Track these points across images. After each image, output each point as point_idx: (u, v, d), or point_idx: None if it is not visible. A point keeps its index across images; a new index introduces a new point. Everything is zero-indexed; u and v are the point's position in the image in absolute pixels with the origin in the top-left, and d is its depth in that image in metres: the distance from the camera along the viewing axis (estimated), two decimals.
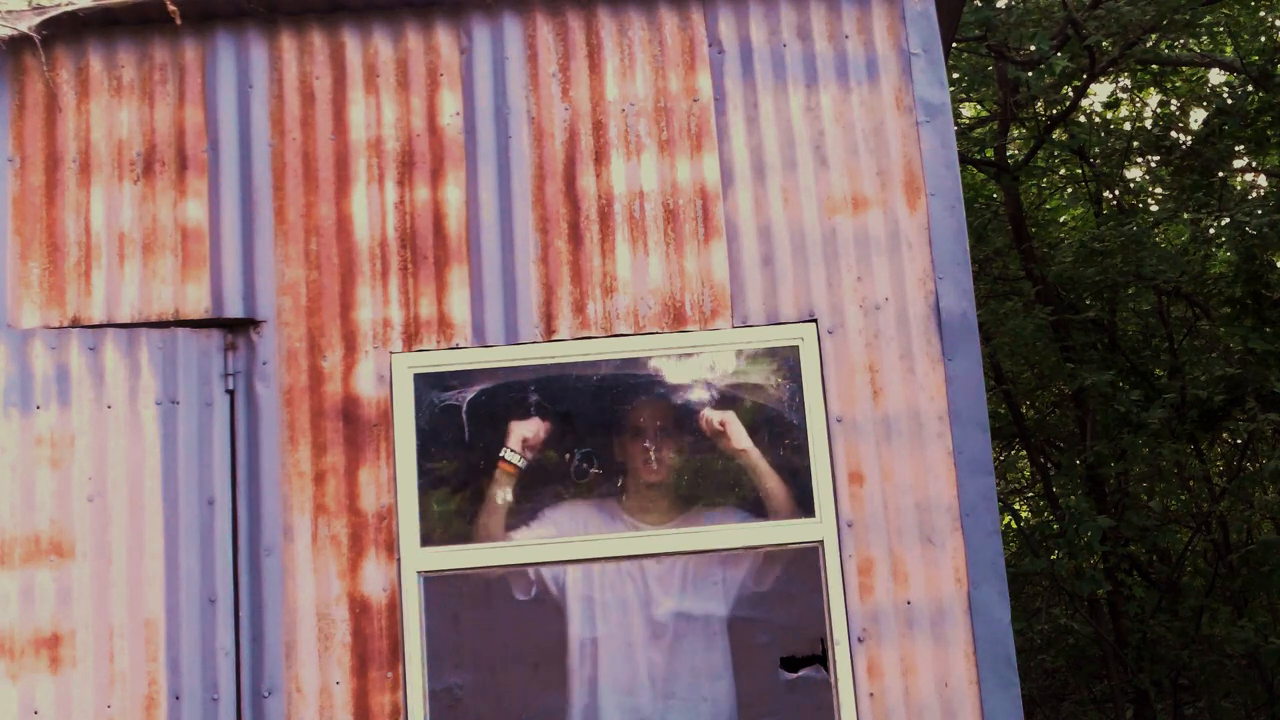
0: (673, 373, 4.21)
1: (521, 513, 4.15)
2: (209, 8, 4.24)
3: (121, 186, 4.20)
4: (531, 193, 4.21)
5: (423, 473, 4.06)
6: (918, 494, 4.00)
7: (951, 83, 10.72)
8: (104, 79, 4.27)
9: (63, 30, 4.24)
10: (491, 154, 4.24)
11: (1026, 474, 13.30)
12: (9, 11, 4.20)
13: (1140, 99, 12.73)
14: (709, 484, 4.29)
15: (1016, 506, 13.28)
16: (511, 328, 4.12)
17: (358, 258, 4.17)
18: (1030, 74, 9.72)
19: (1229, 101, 10.87)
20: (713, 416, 4.15)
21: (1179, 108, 12.22)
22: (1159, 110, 12.30)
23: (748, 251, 4.16)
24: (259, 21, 4.30)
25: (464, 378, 4.13)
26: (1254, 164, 11.87)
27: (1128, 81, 12.27)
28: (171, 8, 4.14)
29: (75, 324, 4.09)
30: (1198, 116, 11.99)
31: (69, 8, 4.16)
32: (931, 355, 4.09)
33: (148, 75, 4.28)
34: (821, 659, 4.00)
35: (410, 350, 4.11)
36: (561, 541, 4.11)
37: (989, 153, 11.49)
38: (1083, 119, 11.90)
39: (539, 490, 4.19)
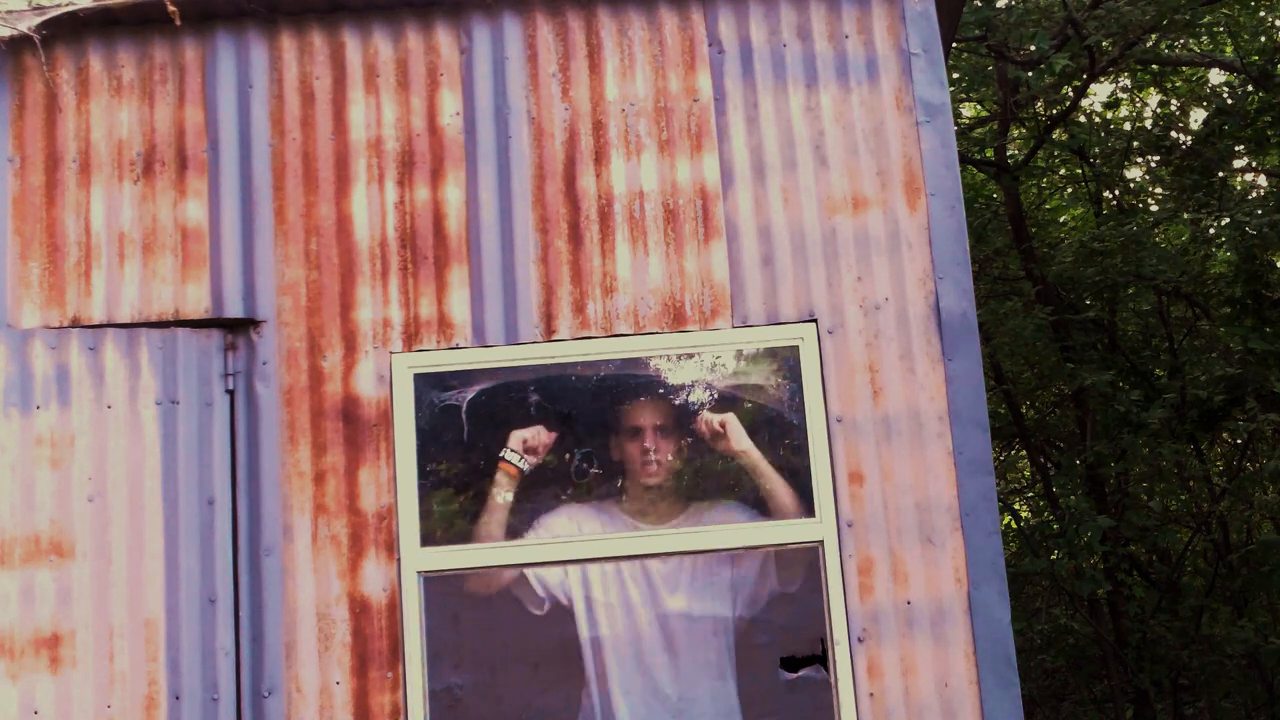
0: (673, 373, 4.21)
1: (521, 516, 4.15)
2: (209, 8, 4.24)
3: (121, 186, 4.20)
4: (531, 193, 4.21)
5: (423, 473, 4.06)
6: (918, 494, 4.00)
7: (951, 83, 10.72)
8: (104, 79, 4.27)
9: (63, 30, 4.25)
10: (491, 154, 4.24)
11: (1026, 474, 13.30)
12: (9, 11, 4.20)
13: (1140, 99, 12.73)
14: (710, 484, 4.29)
15: (1016, 506, 13.28)
16: (511, 328, 4.12)
17: (358, 258, 4.17)
18: (1030, 74, 9.72)
19: (1229, 101, 10.87)
20: (713, 418, 4.15)
21: (1179, 108, 12.22)
22: (1159, 110, 12.30)
23: (748, 251, 4.16)
24: (259, 21, 4.30)
25: (464, 378, 4.13)
26: (1254, 164, 11.87)
27: (1128, 81, 12.27)
28: (171, 8, 4.14)
29: (75, 324, 4.09)
30: (1198, 116, 11.99)
31: (69, 8, 4.16)
32: (931, 355, 4.09)
33: (148, 75, 4.28)
34: (821, 659, 4.00)
35: (410, 350, 4.11)
36: (562, 542, 4.11)
37: (989, 153, 11.49)
38: (1083, 119, 11.90)
39: (539, 492, 4.19)
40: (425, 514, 4.04)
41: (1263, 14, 11.29)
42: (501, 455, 4.15)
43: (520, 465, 4.15)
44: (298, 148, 4.24)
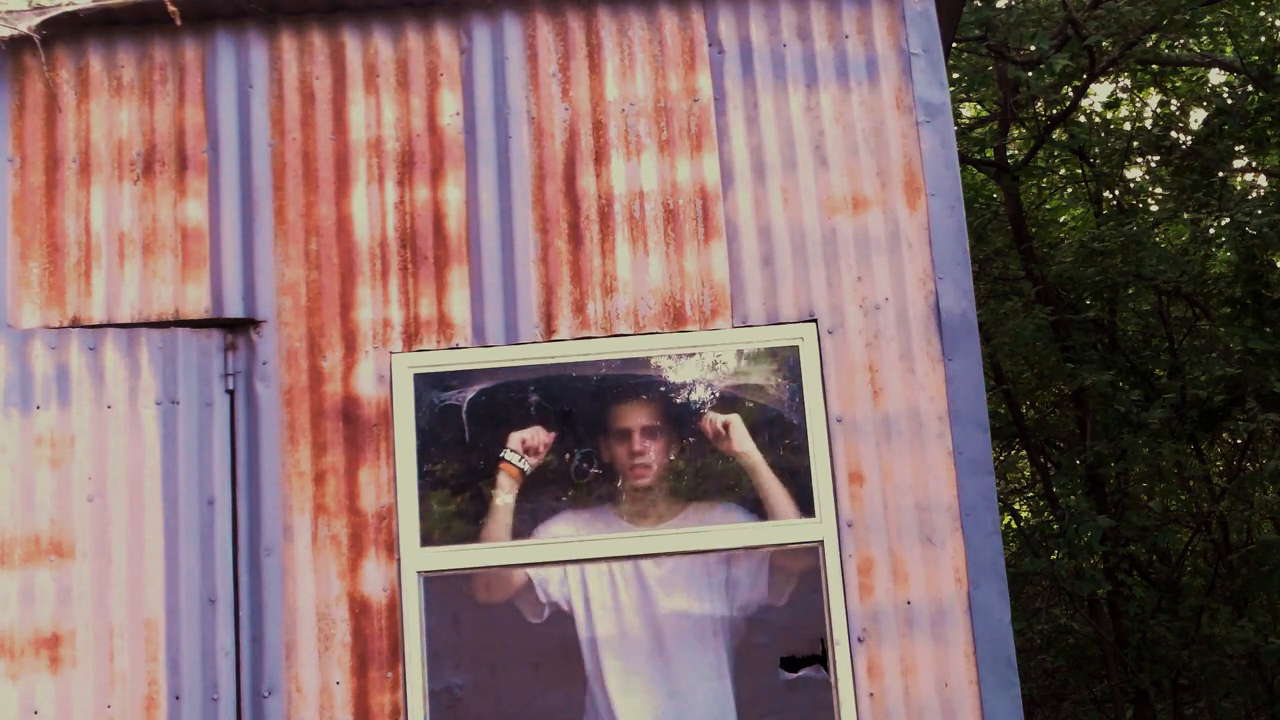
0: (673, 373, 4.21)
1: (521, 520, 4.14)
2: (209, 8, 4.24)
3: (121, 186, 4.20)
4: (531, 193, 4.21)
5: (423, 473, 4.06)
6: (918, 494, 4.00)
7: (951, 83, 10.72)
8: (104, 79, 4.27)
9: (63, 30, 4.25)
10: (491, 154, 4.24)
11: (1026, 474, 13.30)
12: (9, 11, 4.20)
13: (1140, 99, 12.73)
14: (706, 485, 4.29)
15: (1016, 506, 13.28)
16: (511, 328, 4.12)
17: (358, 258, 4.17)
18: (1030, 74, 9.72)
19: (1229, 101, 10.87)
20: (716, 418, 4.15)
21: (1179, 108, 12.22)
22: (1159, 110, 12.30)
23: (748, 251, 4.16)
24: (259, 21, 4.30)
25: (464, 378, 4.13)
26: (1254, 164, 11.87)
27: (1128, 81, 12.27)
28: (171, 8, 4.14)
29: (75, 324, 4.09)
30: (1198, 116, 11.99)
31: (69, 8, 4.16)
32: (931, 355, 4.09)
33: (148, 75, 4.28)
34: (821, 659, 4.00)
35: (410, 350, 4.11)
36: (563, 542, 4.11)
37: (989, 153, 11.49)
38: (1083, 119, 11.90)
39: (539, 493, 4.19)
40: (425, 514, 4.04)
41: (1263, 14, 11.29)
42: (501, 456, 4.15)
43: (521, 465, 4.14)
44: (298, 148, 4.24)
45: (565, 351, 4.11)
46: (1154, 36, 10.52)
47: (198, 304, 4.13)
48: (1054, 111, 11.48)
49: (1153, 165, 12.11)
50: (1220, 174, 10.92)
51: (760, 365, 4.17)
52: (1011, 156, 11.44)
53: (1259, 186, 12.05)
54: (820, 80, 4.28)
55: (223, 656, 3.92)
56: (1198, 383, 10.44)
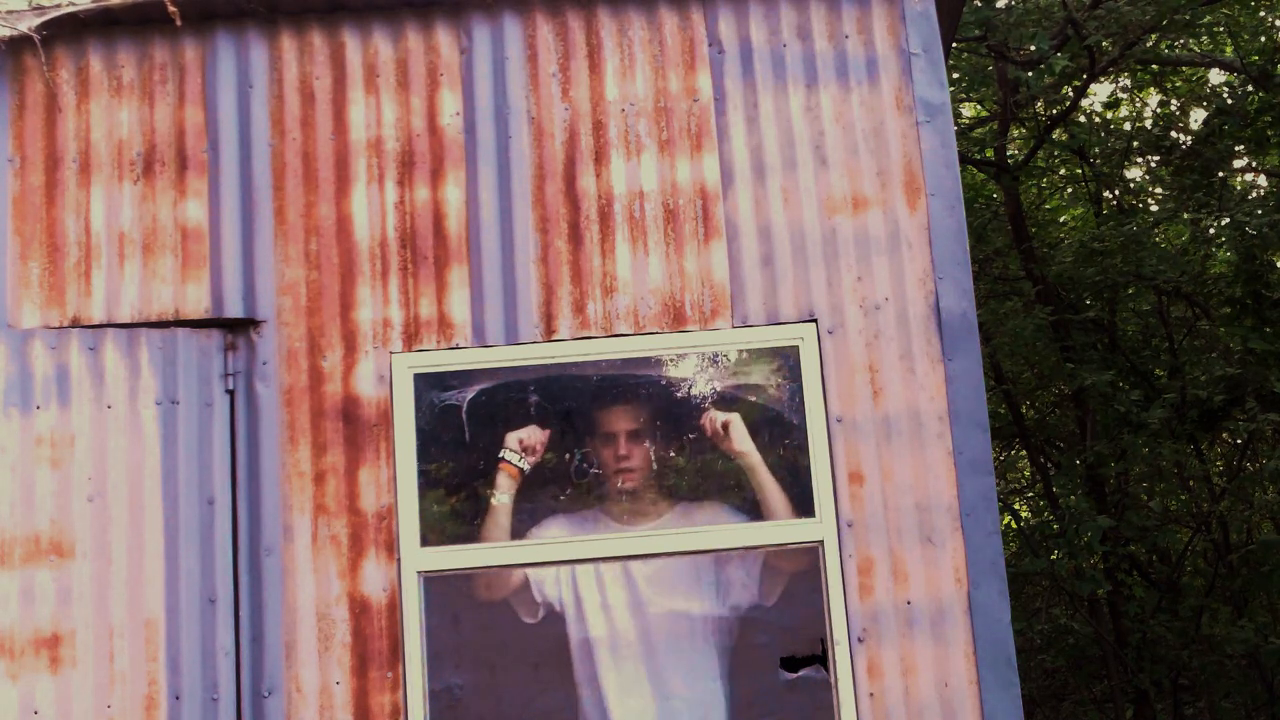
0: (673, 373, 4.21)
1: (519, 521, 4.14)
2: (209, 8, 4.24)
3: (121, 186, 4.20)
4: (531, 193, 4.21)
5: (423, 473, 4.06)
6: (918, 494, 4.00)
7: (951, 83, 10.72)
8: (104, 79, 4.27)
9: (63, 30, 4.25)
10: (491, 154, 4.24)
11: (1026, 474, 13.30)
12: (9, 11, 4.20)
13: (1140, 99, 12.73)
14: (705, 485, 4.28)
15: (1016, 506, 13.28)
16: (511, 328, 4.12)
17: (358, 258, 4.17)
18: (1030, 74, 9.71)
19: (1229, 101, 10.87)
20: (717, 417, 4.15)
21: (1179, 108, 12.22)
22: (1159, 110, 12.30)
23: (748, 251, 4.16)
24: (259, 21, 4.30)
25: (464, 378, 4.13)
26: (1254, 164, 11.87)
27: (1128, 81, 12.27)
28: (171, 8, 4.14)
29: (75, 324, 4.09)
30: (1198, 116, 11.99)
31: (69, 8, 4.16)
32: (931, 355, 4.09)
33: (148, 75, 4.28)
34: (821, 659, 4.00)
35: (410, 350, 4.11)
36: (562, 542, 4.11)
37: (989, 153, 11.49)
38: (1083, 119, 11.90)
39: (538, 493, 4.19)
40: (425, 514, 4.04)
41: (1263, 14, 11.29)
42: (501, 456, 4.15)
43: (520, 465, 4.14)
44: (298, 148, 4.24)
45: (565, 351, 4.11)
46: (1154, 36, 10.52)
47: (198, 304, 4.13)
48: (1054, 111, 11.48)
49: (1153, 165, 12.11)
50: (1220, 174, 10.92)
51: (760, 365, 4.17)
52: (1011, 156, 11.44)
53: (1259, 186, 12.05)
54: (820, 80, 4.28)
55: (223, 656, 3.92)
56: (1198, 383, 10.44)
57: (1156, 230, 11.29)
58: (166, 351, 4.08)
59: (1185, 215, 10.64)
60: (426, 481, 4.08)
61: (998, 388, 11.25)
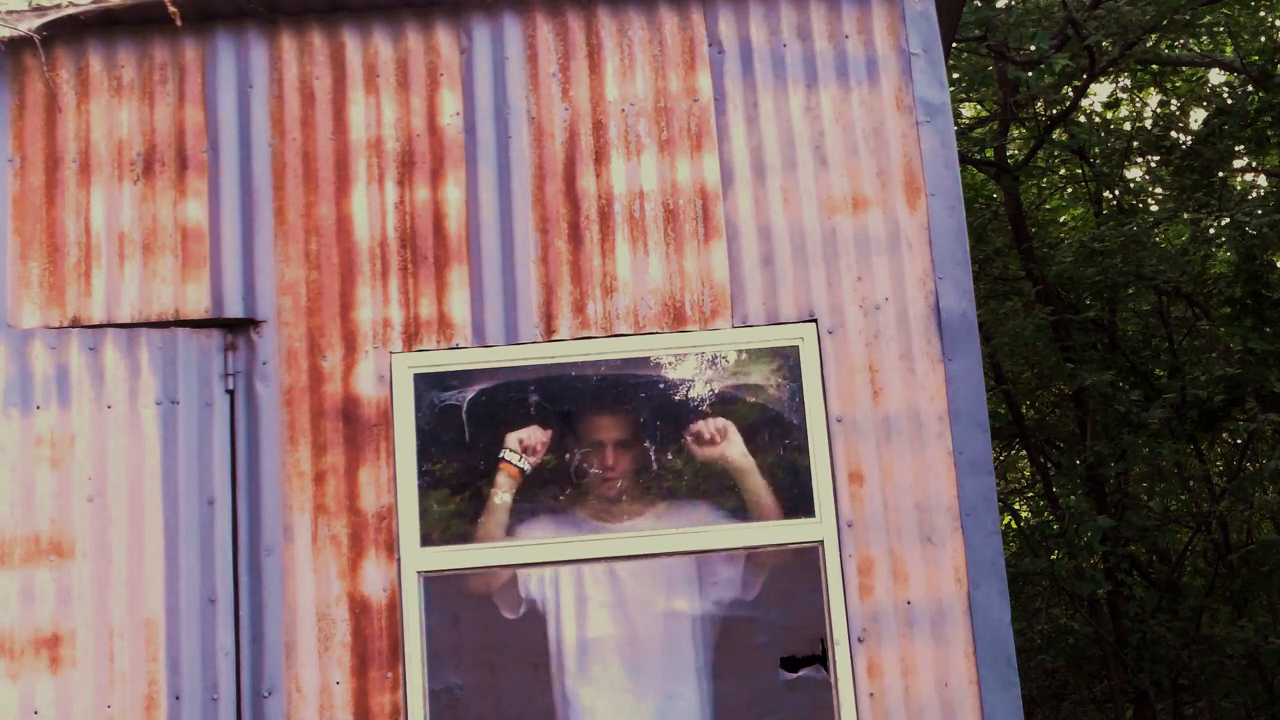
0: (672, 373, 4.21)
1: (517, 521, 4.14)
2: (209, 8, 4.24)
3: (121, 186, 4.20)
4: (531, 193, 4.22)
5: (422, 473, 4.06)
6: (918, 494, 4.01)
7: (951, 83, 10.72)
8: (104, 79, 4.27)
9: (63, 30, 4.24)
10: (491, 154, 4.24)
11: (1026, 474, 13.30)
12: (9, 12, 4.20)
13: (1140, 99, 12.73)
14: (708, 486, 4.28)
15: (1016, 506, 13.28)
16: (511, 328, 4.12)
17: (358, 258, 4.17)
18: (1030, 74, 9.72)
19: (1229, 101, 10.87)
20: (710, 421, 4.14)
21: (1179, 108, 12.22)
22: (1159, 110, 12.30)
23: (748, 251, 4.16)
24: (259, 21, 4.30)
25: (464, 378, 4.13)
26: (1254, 164, 11.87)
27: (1128, 81, 12.27)
28: (171, 8, 4.14)
29: (75, 324, 4.09)
30: (1198, 116, 11.99)
31: (69, 8, 4.16)
32: (931, 355, 4.09)
33: (148, 75, 4.28)
34: (821, 659, 4.00)
35: (410, 350, 4.11)
36: (562, 542, 4.11)
37: (989, 153, 11.49)
38: (1083, 119, 11.90)
39: (538, 493, 4.19)
40: (425, 514, 4.04)
41: (1263, 14, 11.29)
42: (501, 456, 4.15)
43: (521, 465, 4.14)
44: (298, 148, 4.24)
45: (565, 351, 4.11)
46: (1154, 36, 10.52)
47: (198, 304, 4.13)
48: (1054, 111, 11.48)
49: (1153, 165, 12.11)
50: (1220, 174, 10.92)
51: (760, 365, 4.17)
52: (1011, 156, 11.44)
53: (1259, 186, 12.05)
54: (820, 80, 4.28)
55: (223, 656, 3.93)
56: (1198, 383, 10.44)
57: (1156, 230, 11.29)
58: (166, 351, 4.08)
59: (1185, 215, 10.64)
60: (426, 481, 4.08)
61: (998, 388, 11.25)
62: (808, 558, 4.02)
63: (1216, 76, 12.19)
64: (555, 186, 4.22)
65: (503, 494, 4.13)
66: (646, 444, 4.25)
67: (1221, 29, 11.25)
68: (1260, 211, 9.72)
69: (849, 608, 3.93)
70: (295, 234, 4.18)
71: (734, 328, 4.12)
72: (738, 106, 4.26)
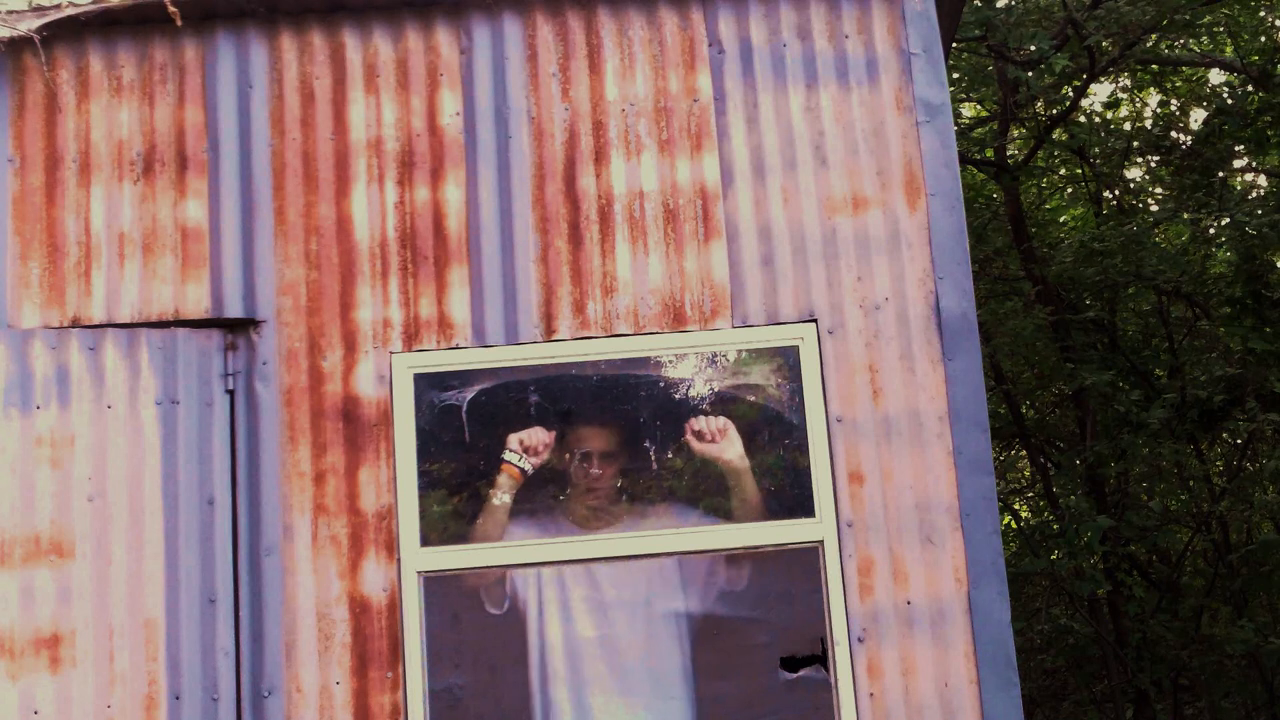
0: (672, 373, 4.21)
1: (517, 521, 4.13)
2: (209, 8, 4.24)
3: (121, 186, 4.20)
4: (531, 193, 4.22)
5: (422, 473, 4.06)
6: (918, 494, 4.01)
7: (951, 83, 10.73)
8: (104, 79, 4.27)
9: (63, 30, 4.24)
10: (491, 154, 4.24)
11: (1026, 474, 13.30)
12: (9, 12, 4.20)
13: (1140, 99, 12.73)
14: (709, 486, 4.28)
15: (1016, 506, 13.28)
16: (511, 328, 4.12)
17: (358, 258, 4.17)
18: (1030, 74, 9.72)
19: (1229, 101, 10.87)
20: (711, 420, 4.14)
21: (1179, 108, 12.22)
22: (1159, 110, 12.30)
23: (748, 251, 4.16)
24: (259, 21, 4.30)
25: (464, 378, 4.13)
26: (1254, 164, 11.87)
27: (1128, 81, 12.27)
28: (171, 8, 4.14)
29: (75, 324, 4.09)
30: (1198, 116, 11.99)
31: (69, 9, 4.16)
32: (931, 355, 4.09)
33: (148, 75, 4.28)
34: (821, 659, 4.00)
35: (410, 350, 4.11)
36: (562, 542, 4.11)
37: (989, 153, 11.49)
38: (1083, 119, 11.90)
39: (538, 493, 4.19)
40: (425, 514, 4.04)
41: (1263, 14, 11.29)
42: (503, 458, 4.15)
43: (522, 466, 4.14)
44: (298, 148, 4.24)
45: (565, 351, 4.11)
46: (1154, 36, 10.52)
47: (198, 304, 4.13)
48: (1054, 111, 11.48)
49: (1153, 165, 12.12)
50: (1220, 174, 10.92)
51: (760, 365, 4.17)
52: (1011, 156, 11.44)
53: (1259, 186, 12.05)
54: (820, 80, 4.28)
55: (223, 656, 3.93)
56: (1198, 383, 10.44)
57: (1156, 230, 11.29)
58: (166, 351, 4.08)
59: (1185, 215, 10.64)
60: (426, 481, 4.08)
61: (998, 388, 11.25)
62: (806, 557, 4.02)
63: (1216, 76, 12.19)
64: (555, 186, 4.22)
65: (502, 495, 4.13)
66: (646, 444, 4.25)
67: (1221, 29, 11.25)
68: (1260, 211, 9.72)
69: (849, 608, 3.93)
70: (295, 234, 4.18)
71: (734, 328, 4.12)
72: (738, 106, 4.26)
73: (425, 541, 4.01)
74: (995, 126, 11.48)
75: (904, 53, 4.29)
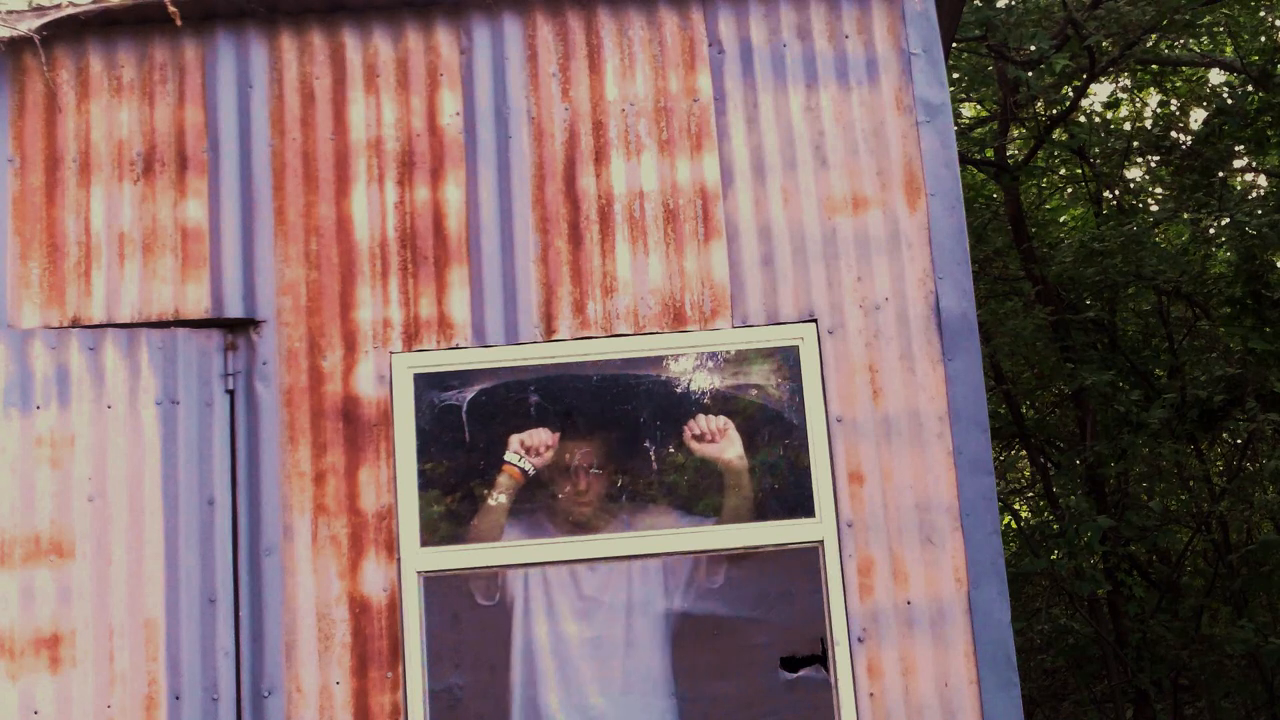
0: (672, 373, 4.21)
1: (516, 521, 4.13)
2: (209, 8, 4.24)
3: (121, 186, 4.20)
4: (531, 193, 4.22)
5: (422, 473, 4.06)
6: (918, 494, 4.01)
7: (951, 83, 10.72)
8: (104, 79, 4.27)
9: (63, 30, 4.24)
10: (491, 154, 4.24)
11: (1026, 474, 13.30)
12: (9, 12, 4.20)
13: (1140, 99, 12.73)
14: (707, 486, 4.28)
15: (1016, 506, 13.28)
16: (511, 328, 4.12)
17: (358, 258, 4.17)
18: (1030, 74, 9.72)
19: (1229, 101, 10.87)
20: (711, 419, 4.13)
21: (1179, 108, 12.22)
22: (1159, 110, 12.30)
23: (748, 251, 4.16)
24: (259, 21, 4.30)
25: (464, 378, 4.13)
26: (1254, 164, 11.87)
27: (1128, 81, 12.27)
28: (171, 8, 4.14)
29: (75, 324, 4.09)
30: (1198, 116, 11.99)
31: (69, 9, 4.16)
32: (931, 355, 4.09)
33: (148, 75, 4.28)
34: (821, 659, 4.00)
35: (410, 350, 4.11)
36: (562, 542, 4.11)
37: (989, 153, 11.49)
38: (1083, 119, 11.90)
39: (537, 493, 4.19)
40: (425, 514, 4.04)
41: (1263, 14, 11.29)
42: (504, 459, 4.14)
43: (523, 466, 4.14)
44: (298, 148, 4.24)
45: (565, 351, 4.11)
46: (1154, 36, 10.52)
47: (198, 304, 4.13)
48: (1054, 111, 11.48)
49: (1153, 165, 12.12)
50: (1220, 174, 10.92)
51: (760, 365, 4.17)
52: (1011, 156, 11.44)
53: (1259, 186, 12.05)
54: (820, 80, 4.28)
55: (223, 656, 3.93)
56: (1198, 383, 10.44)
57: (1156, 230, 11.29)
58: (166, 351, 4.08)
59: (1185, 215, 10.64)
60: (426, 481, 4.08)
61: (998, 388, 11.25)
62: (806, 557, 4.02)
63: (1216, 76, 12.19)
64: (555, 186, 4.22)
65: (499, 495, 4.13)
66: (646, 444, 4.25)
67: (1221, 29, 11.25)
68: (1260, 211, 9.72)
69: (849, 608, 3.93)
70: (295, 234, 4.18)
71: (734, 328, 4.12)
72: (738, 106, 4.26)
73: (425, 541, 4.01)
74: (995, 126, 11.48)
75: (904, 53, 4.29)
